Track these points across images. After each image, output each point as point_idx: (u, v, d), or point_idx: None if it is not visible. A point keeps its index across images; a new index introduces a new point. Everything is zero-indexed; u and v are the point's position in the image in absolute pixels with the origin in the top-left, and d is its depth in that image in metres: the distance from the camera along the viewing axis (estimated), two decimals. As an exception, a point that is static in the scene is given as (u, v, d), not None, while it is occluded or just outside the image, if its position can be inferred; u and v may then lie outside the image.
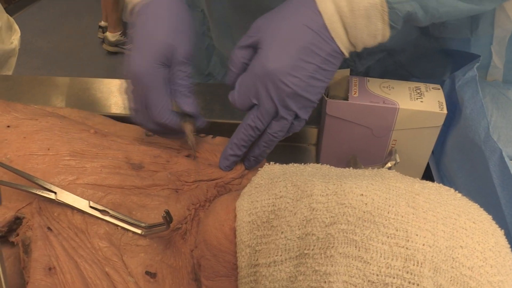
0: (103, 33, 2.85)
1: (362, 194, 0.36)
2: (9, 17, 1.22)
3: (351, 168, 0.43)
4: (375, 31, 0.46)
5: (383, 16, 0.45)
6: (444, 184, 0.41)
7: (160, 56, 0.50)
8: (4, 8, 1.21)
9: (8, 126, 0.52)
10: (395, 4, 0.45)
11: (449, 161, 0.60)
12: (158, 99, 0.51)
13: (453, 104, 0.60)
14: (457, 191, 0.41)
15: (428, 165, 0.64)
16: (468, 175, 0.54)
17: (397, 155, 0.62)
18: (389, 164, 0.61)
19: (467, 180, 0.55)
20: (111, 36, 2.80)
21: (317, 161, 0.72)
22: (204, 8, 0.83)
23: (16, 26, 1.26)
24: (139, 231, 0.44)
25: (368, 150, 0.64)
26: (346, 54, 0.48)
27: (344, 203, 0.35)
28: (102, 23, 2.87)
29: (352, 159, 0.64)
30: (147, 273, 0.42)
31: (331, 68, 0.48)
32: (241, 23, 0.77)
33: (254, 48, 0.49)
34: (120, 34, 2.80)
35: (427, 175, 0.65)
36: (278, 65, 0.46)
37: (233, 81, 0.51)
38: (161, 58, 0.50)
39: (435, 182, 0.45)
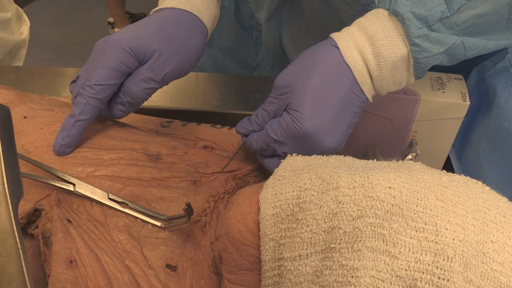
0: (113, 28, 2.85)
1: (390, 187, 0.35)
2: (18, 7, 1.22)
3: (374, 159, 0.43)
4: (400, 80, 0.47)
5: (408, 68, 0.46)
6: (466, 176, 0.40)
7: (135, 45, 0.48)
8: (16, 0, 1.21)
9: (25, 117, 0.52)
10: (422, 60, 0.45)
11: (474, 152, 0.58)
12: (103, 76, 0.48)
13: (481, 94, 0.58)
14: (484, 184, 0.39)
15: (448, 158, 0.63)
16: (497, 166, 0.53)
17: (417, 147, 0.60)
18: (409, 156, 0.59)
19: (495, 172, 0.53)
20: None
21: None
22: (252, 4, 0.84)
23: (25, 17, 1.26)
24: (158, 224, 0.44)
25: (387, 142, 0.63)
26: (371, 100, 0.49)
27: (372, 196, 0.34)
28: (111, 19, 2.86)
29: (371, 151, 0.63)
30: (167, 266, 0.41)
31: (358, 117, 0.49)
32: (290, 20, 0.79)
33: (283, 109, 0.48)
34: None
35: (447, 168, 0.64)
36: (315, 127, 0.45)
37: (248, 133, 0.51)
38: (135, 47, 0.48)
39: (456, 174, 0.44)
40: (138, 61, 0.49)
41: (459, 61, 0.48)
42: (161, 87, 0.51)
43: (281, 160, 0.47)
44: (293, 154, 0.43)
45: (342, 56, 0.46)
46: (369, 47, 0.46)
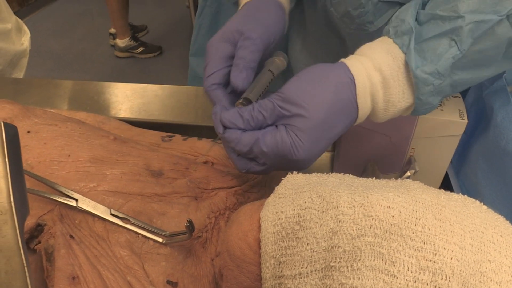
0: (114, 39, 2.87)
1: (389, 206, 0.35)
2: (18, 19, 1.24)
3: (374, 177, 0.43)
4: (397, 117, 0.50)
5: (408, 111, 0.49)
6: (463, 194, 0.40)
7: (226, 34, 0.52)
8: (17, 10, 1.23)
9: (29, 132, 0.52)
10: (422, 110, 0.48)
11: (472, 170, 0.59)
12: (210, 66, 0.51)
13: (479, 113, 0.59)
14: (482, 203, 0.40)
15: (446, 174, 0.64)
16: (494, 184, 0.54)
17: (416, 164, 0.61)
18: (408, 173, 0.60)
19: (492, 190, 0.54)
20: (120, 42, 2.82)
21: (333, 167, 0.72)
22: None
23: (25, 28, 1.28)
24: (160, 240, 0.44)
25: (386, 158, 0.63)
26: None
27: (371, 215, 0.35)
28: (112, 30, 2.89)
29: (370, 167, 0.63)
30: (168, 282, 0.42)
31: None
32: (297, 33, 0.79)
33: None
34: (129, 39, 2.82)
35: (445, 184, 0.64)
36: (308, 157, 0.46)
37: (232, 127, 0.49)
38: (226, 36, 0.52)
39: (454, 191, 0.44)
40: (234, 44, 0.53)
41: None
42: (261, 50, 0.53)
43: (256, 166, 0.48)
44: (294, 172, 0.43)
45: (356, 96, 0.47)
46: (382, 92, 0.47)
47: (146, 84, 0.88)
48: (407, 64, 0.46)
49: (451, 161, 0.62)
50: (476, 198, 0.40)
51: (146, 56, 2.85)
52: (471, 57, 0.45)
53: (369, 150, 0.63)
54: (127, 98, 0.85)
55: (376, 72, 0.46)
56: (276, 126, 0.47)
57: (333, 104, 0.46)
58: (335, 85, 0.46)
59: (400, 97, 0.46)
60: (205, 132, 0.76)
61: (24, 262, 0.28)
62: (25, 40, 1.27)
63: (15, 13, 1.24)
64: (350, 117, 0.47)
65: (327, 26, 0.73)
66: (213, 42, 0.53)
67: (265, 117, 0.47)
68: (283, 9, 0.58)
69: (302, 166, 0.47)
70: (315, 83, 0.47)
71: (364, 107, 0.47)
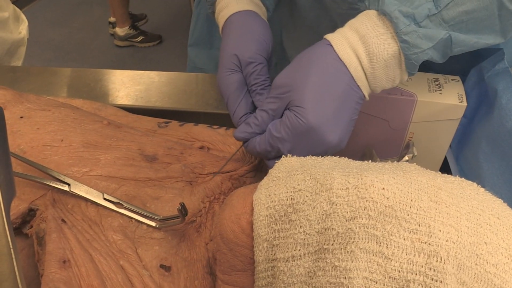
0: (113, 28, 2.86)
1: (383, 188, 0.34)
2: (15, 7, 1.23)
3: (370, 161, 0.42)
4: (393, 77, 0.48)
5: (400, 64, 0.47)
6: (462, 177, 0.40)
7: (227, 63, 0.53)
8: (16, 0, 1.22)
9: (21, 117, 0.52)
10: (412, 56, 0.46)
11: (473, 153, 0.58)
12: (231, 102, 0.52)
13: (480, 96, 0.58)
14: (479, 186, 0.39)
15: (445, 159, 0.63)
16: (496, 167, 0.53)
17: (414, 148, 0.60)
18: (406, 157, 0.59)
19: (495, 173, 0.53)
20: (120, 31, 2.80)
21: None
22: None
23: (23, 16, 1.27)
24: (153, 224, 0.44)
25: (385, 143, 0.63)
26: (367, 98, 0.49)
27: (365, 197, 0.34)
28: (111, 19, 2.88)
29: (368, 152, 0.63)
30: (161, 266, 0.41)
31: (357, 114, 0.49)
32: (289, 19, 0.79)
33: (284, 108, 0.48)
34: (128, 28, 2.80)
35: (444, 169, 0.64)
36: (318, 120, 0.45)
37: (248, 137, 0.50)
38: (229, 65, 0.53)
39: (453, 175, 0.43)
40: (239, 70, 0.54)
41: (448, 56, 0.48)
42: (265, 64, 0.54)
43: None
44: (288, 155, 0.43)
45: (337, 54, 0.47)
46: (361, 45, 0.46)
47: (143, 71, 0.87)
48: (381, 18, 0.46)
49: (450, 146, 0.62)
50: (476, 182, 0.40)
51: (146, 45, 2.84)
52: (459, 18, 0.45)
53: (367, 135, 0.62)
54: (124, 85, 0.84)
55: (352, 31, 0.47)
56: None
57: (317, 67, 0.47)
58: (314, 55, 0.48)
59: (380, 47, 0.46)
60: (202, 118, 0.75)
61: (11, 244, 0.28)
62: (22, 29, 1.27)
63: (14, 3, 1.23)
64: (343, 74, 0.47)
65: (318, 9, 0.72)
66: (221, 76, 0.53)
67: (267, 111, 0.48)
68: (261, 17, 0.59)
69: (324, 136, 0.46)
70: (297, 62, 0.48)
71: (351, 62, 0.47)
